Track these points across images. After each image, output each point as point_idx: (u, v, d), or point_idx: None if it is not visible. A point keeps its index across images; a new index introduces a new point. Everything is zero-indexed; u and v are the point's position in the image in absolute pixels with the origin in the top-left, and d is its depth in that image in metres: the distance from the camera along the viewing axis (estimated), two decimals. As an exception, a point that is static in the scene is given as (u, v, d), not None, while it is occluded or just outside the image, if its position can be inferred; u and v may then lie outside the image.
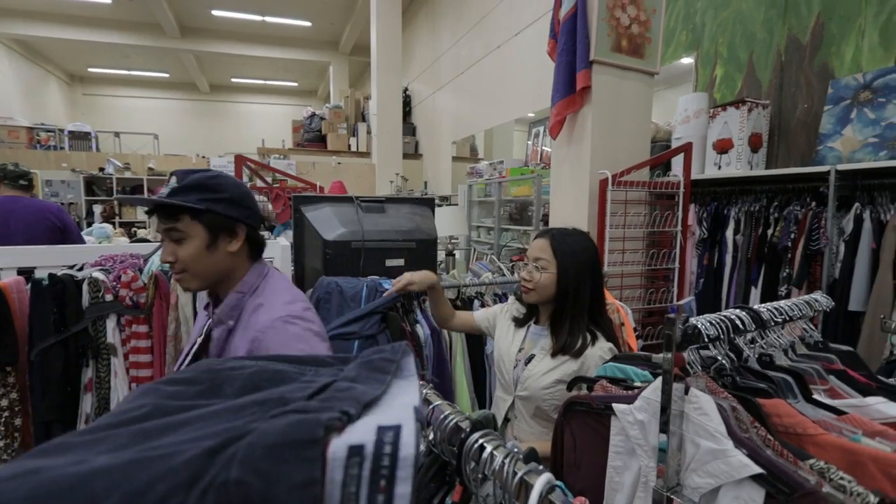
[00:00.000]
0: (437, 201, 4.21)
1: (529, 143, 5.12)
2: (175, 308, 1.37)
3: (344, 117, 8.42)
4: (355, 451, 0.21)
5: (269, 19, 8.52)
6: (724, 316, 0.66)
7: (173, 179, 0.91)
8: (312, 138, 8.19)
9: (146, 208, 1.01)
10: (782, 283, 2.46)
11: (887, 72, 2.22)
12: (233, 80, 11.98)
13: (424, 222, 2.25)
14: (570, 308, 1.15)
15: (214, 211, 0.94)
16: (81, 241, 2.89)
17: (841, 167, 2.17)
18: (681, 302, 2.43)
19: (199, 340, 0.95)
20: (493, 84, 5.63)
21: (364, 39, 9.75)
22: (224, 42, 9.05)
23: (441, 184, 6.95)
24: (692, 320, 0.62)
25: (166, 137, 9.16)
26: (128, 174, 5.51)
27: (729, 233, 2.74)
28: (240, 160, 2.91)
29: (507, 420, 1.21)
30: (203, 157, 6.33)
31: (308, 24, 8.85)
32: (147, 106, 12.06)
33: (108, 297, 1.33)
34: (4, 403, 1.24)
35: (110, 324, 1.33)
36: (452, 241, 3.25)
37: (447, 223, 3.21)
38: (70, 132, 5.94)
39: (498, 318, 1.37)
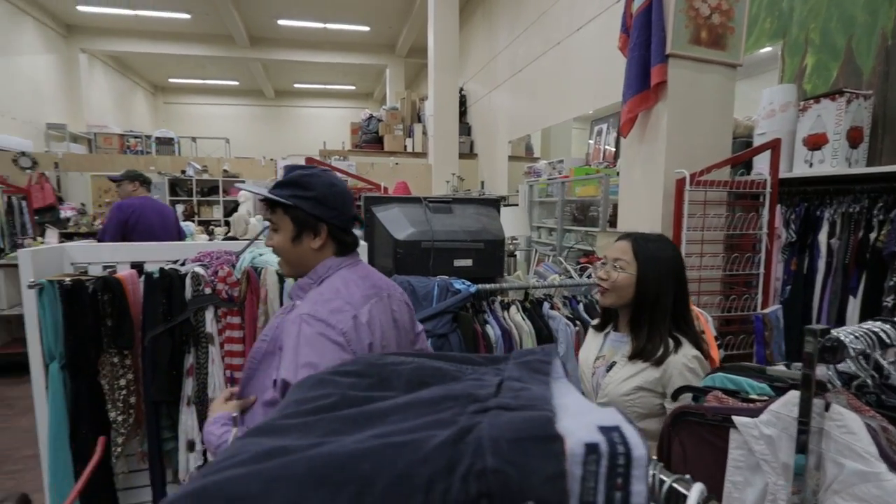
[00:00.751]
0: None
1: (591, 141, 4.97)
2: (264, 302, 1.46)
3: (400, 118, 8.59)
4: (591, 448, 0.21)
5: (330, 26, 8.87)
6: (869, 329, 0.60)
7: (280, 173, 1.00)
8: (370, 140, 8.43)
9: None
10: (888, 292, 2.22)
11: None
12: (295, 85, 12.59)
13: (491, 223, 2.25)
14: (650, 314, 1.12)
15: (300, 207, 0.99)
16: (184, 238, 3.25)
17: (965, 163, 1.92)
18: (766, 311, 2.27)
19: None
20: (553, 82, 5.51)
21: (420, 41, 9.91)
22: (288, 49, 9.53)
23: (497, 183, 6.92)
24: (834, 332, 0.58)
25: (236, 141, 9.79)
26: (205, 176, 5.96)
27: (822, 236, 2.51)
28: (310, 162, 3.05)
29: None
30: (271, 159, 6.71)
31: (367, 28, 9.12)
32: (219, 112, 12.97)
33: (207, 291, 1.44)
34: (123, 383, 1.37)
35: (209, 315, 1.44)
36: (513, 241, 3.22)
37: (508, 223, 3.19)
38: (157, 138, 6.52)
39: (583, 358, 1.34)
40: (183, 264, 1.50)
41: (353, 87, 12.95)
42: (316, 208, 1.00)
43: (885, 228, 2.25)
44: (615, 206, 3.18)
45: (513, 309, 1.81)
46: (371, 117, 8.66)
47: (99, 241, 2.80)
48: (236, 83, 12.26)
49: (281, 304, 1.49)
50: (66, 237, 5.29)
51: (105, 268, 1.55)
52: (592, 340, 1.26)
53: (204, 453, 1.46)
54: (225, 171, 6.08)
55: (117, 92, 10.32)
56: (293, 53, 9.53)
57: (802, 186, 2.68)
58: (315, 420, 0.29)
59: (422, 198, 2.25)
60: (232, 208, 5.96)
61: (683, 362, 1.08)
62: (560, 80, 5.34)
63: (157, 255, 1.57)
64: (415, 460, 0.21)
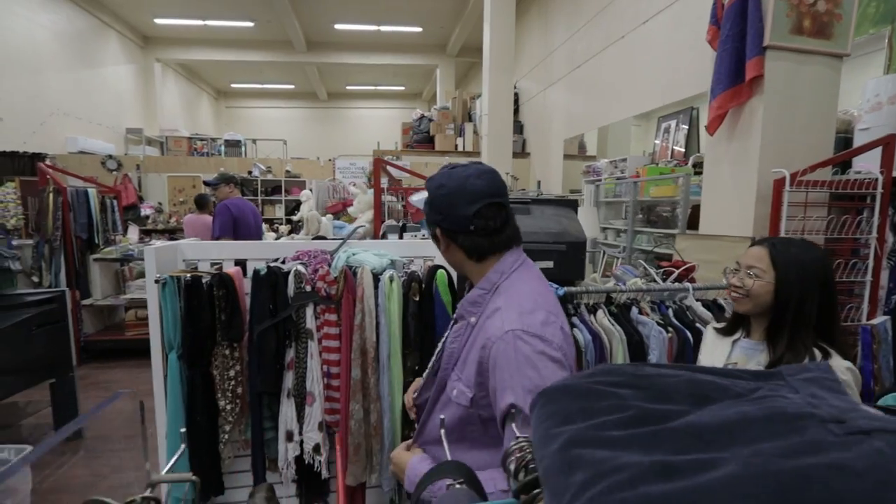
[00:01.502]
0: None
1: (657, 141, 4.76)
2: (361, 300, 1.49)
3: (451, 118, 8.61)
4: None
5: (384, 28, 9.02)
6: None
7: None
8: (421, 139, 8.51)
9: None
10: None
11: None
12: (347, 87, 12.93)
13: (571, 224, 2.20)
14: (792, 322, 1.06)
15: (427, 213, 0.99)
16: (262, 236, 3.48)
17: None
18: (875, 321, 2.08)
19: (449, 334, 0.99)
20: (615, 77, 5.32)
21: (472, 40, 9.89)
22: (343, 52, 9.80)
23: (552, 183, 6.79)
24: None
25: (292, 142, 10.19)
26: (269, 176, 6.23)
27: (934, 241, 2.27)
28: (378, 162, 3.11)
29: None
30: (329, 159, 6.92)
31: (419, 29, 9.21)
32: (275, 115, 13.56)
33: (308, 288, 1.49)
34: (232, 374, 1.45)
35: (309, 311, 1.49)
36: (581, 242, 3.13)
37: (576, 224, 3.10)
38: (225, 141, 6.91)
39: (706, 340, 1.30)
40: (283, 262, 1.56)
41: (403, 88, 13.13)
42: (430, 213, 0.97)
43: None
44: (694, 208, 3.02)
45: (599, 313, 1.75)
46: (422, 117, 8.74)
47: (216, 238, 3.02)
48: (292, 86, 12.75)
49: (377, 302, 1.52)
50: (146, 233, 5.70)
51: (213, 264, 1.64)
52: (717, 345, 1.21)
53: (301, 444, 1.52)
54: (287, 171, 6.32)
55: (185, 98, 11.01)
56: (348, 56, 9.78)
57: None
58: (644, 434, 0.27)
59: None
60: (293, 207, 6.20)
61: (841, 367, 1.02)
62: (623, 75, 5.15)
63: (257, 253, 1.64)
64: (847, 481, 0.19)
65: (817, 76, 2.17)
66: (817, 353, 1.03)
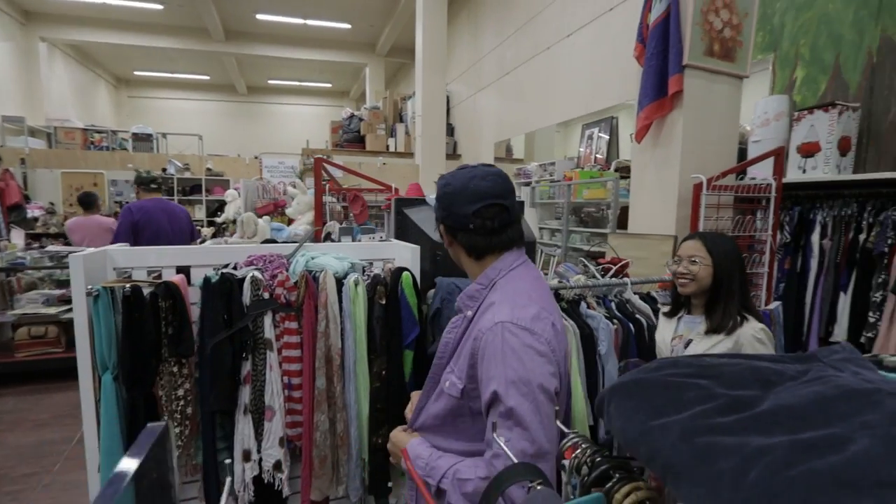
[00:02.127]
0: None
1: (582, 147, 5.11)
2: (325, 306, 1.43)
3: (382, 118, 8.51)
4: None
5: (310, 22, 8.68)
6: None
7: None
8: (352, 139, 8.31)
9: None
10: (876, 289, 2.41)
11: None
12: (269, 81, 12.24)
13: (522, 225, 2.29)
14: (724, 296, 1.30)
15: (434, 209, 1.03)
16: (197, 239, 3.14)
17: (950, 172, 2.12)
18: (770, 307, 2.41)
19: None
20: (541, 85, 5.62)
21: (402, 40, 9.85)
22: (266, 45, 9.26)
23: (484, 185, 6.96)
24: None
25: (208, 138, 9.42)
26: (187, 174, 5.70)
27: (815, 237, 2.70)
28: (319, 162, 2.99)
29: None
30: (255, 157, 6.49)
31: (348, 26, 8.99)
32: (188, 108, 12.43)
33: (266, 295, 1.40)
34: (181, 393, 1.32)
35: (267, 320, 1.40)
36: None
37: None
38: (133, 134, 6.17)
39: (657, 328, 1.46)
40: (235, 268, 1.45)
41: (330, 85, 12.72)
42: (436, 210, 1.02)
43: (875, 230, 2.44)
44: (623, 209, 3.30)
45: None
46: (352, 116, 8.54)
47: (112, 243, 2.67)
48: (206, 78, 11.78)
49: (341, 308, 1.47)
50: (34, 238, 4.93)
51: (150, 273, 1.48)
52: (666, 325, 1.44)
53: (259, 463, 1.42)
54: (208, 169, 5.83)
55: (78, 84, 9.70)
56: (271, 49, 9.26)
57: (795, 191, 2.87)
58: (747, 419, 0.30)
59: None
60: (216, 208, 5.72)
61: (752, 333, 1.25)
62: (549, 84, 5.45)
63: (203, 258, 1.51)
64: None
65: (724, 93, 2.47)
66: (740, 318, 1.27)
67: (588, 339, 1.82)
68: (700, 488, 0.27)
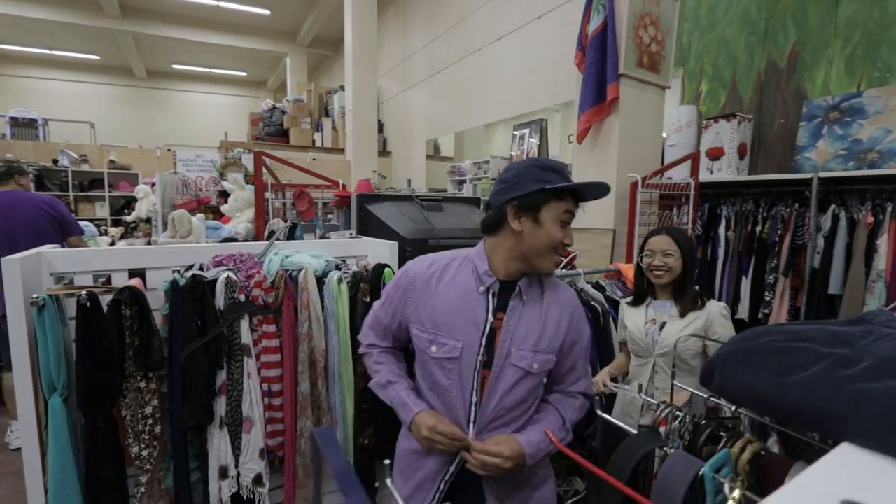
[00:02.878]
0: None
1: (514, 149, 5.35)
2: (307, 307, 1.37)
3: (307, 111, 8.15)
4: None
5: (224, 4, 8.01)
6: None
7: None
8: (274, 132, 7.85)
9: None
10: (770, 272, 2.86)
11: (852, 96, 2.67)
12: (173, 66, 11.07)
13: (479, 220, 2.36)
14: (690, 281, 1.49)
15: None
16: (81, 232, 2.65)
17: (822, 174, 2.58)
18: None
19: (489, 317, 0.96)
20: (473, 86, 5.77)
21: (326, 32, 9.47)
22: (171, 25, 8.36)
23: (417, 181, 6.99)
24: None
25: (102, 126, 8.27)
26: (85, 167, 4.94)
27: (721, 230, 3.12)
28: (259, 156, 2.81)
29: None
30: (168, 149, 5.84)
31: (267, 12, 8.44)
32: (73, 91, 10.78)
33: (241, 298, 1.30)
34: (148, 411, 1.18)
35: (244, 324, 1.31)
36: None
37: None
38: (12, 118, 5.17)
39: (624, 314, 1.60)
40: (202, 270, 1.33)
41: (244, 74, 11.83)
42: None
43: (768, 223, 2.89)
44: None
45: (520, 301, 1.94)
46: (274, 108, 8.07)
47: None
48: (95, 58, 10.31)
49: (323, 307, 1.41)
50: None
51: (96, 278, 1.30)
52: (635, 311, 1.57)
53: (238, 479, 1.32)
54: (112, 161, 5.12)
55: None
56: (177, 30, 8.38)
57: (704, 190, 3.28)
58: (868, 368, 0.37)
59: (413, 195, 2.26)
60: (122, 205, 5.04)
61: (718, 310, 1.44)
62: (480, 85, 5.62)
63: (158, 260, 1.36)
64: None
65: (652, 102, 2.76)
66: (702, 298, 1.46)
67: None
68: (869, 426, 0.33)
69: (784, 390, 0.39)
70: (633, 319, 1.55)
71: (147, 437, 1.18)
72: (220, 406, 1.28)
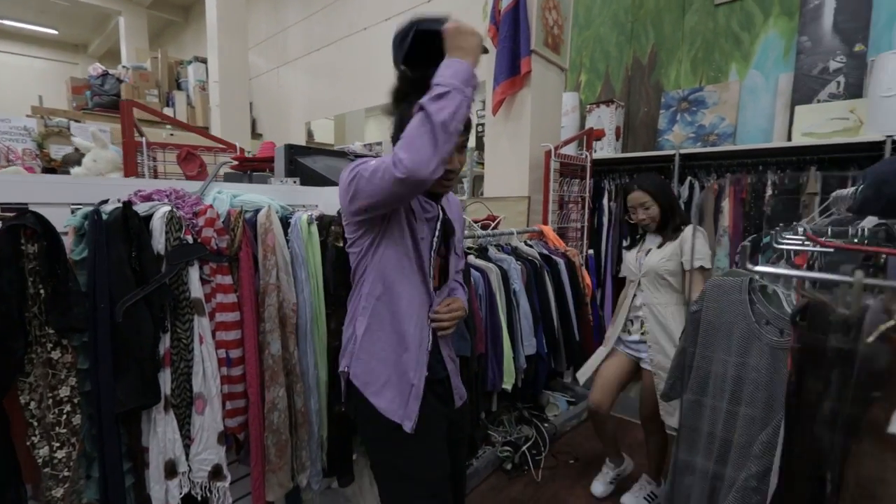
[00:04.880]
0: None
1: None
2: (273, 251, 1.14)
3: (154, 82, 6.90)
4: None
5: (22, -65, 6.24)
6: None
7: None
8: (108, 103, 6.45)
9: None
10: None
11: (696, 91, 3.30)
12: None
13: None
14: (669, 219, 1.75)
15: None
16: None
17: (681, 152, 3.12)
18: (590, 251, 3.07)
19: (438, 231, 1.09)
20: (359, 66, 5.58)
21: (169, -8, 8.06)
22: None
23: (299, 166, 6.45)
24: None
25: None
26: None
27: (605, 201, 3.56)
28: (127, 106, 2.26)
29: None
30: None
31: (88, -45, 6.85)
32: None
33: (189, 239, 1.02)
34: (63, 393, 0.84)
35: (194, 274, 1.03)
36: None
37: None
38: None
39: (628, 259, 1.90)
40: (106, 202, 1.00)
41: (55, 33, 9.39)
42: None
43: (641, 194, 3.40)
44: (477, 179, 3.63)
45: (471, 256, 1.94)
46: (106, 75, 6.64)
47: None
48: None
49: (290, 254, 1.20)
50: None
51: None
52: (629, 253, 1.89)
53: (188, 475, 1.04)
54: None
55: None
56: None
57: (598, 167, 3.71)
58: None
59: (346, 151, 2.08)
60: None
61: (689, 230, 1.71)
62: (367, 66, 5.46)
63: (48, 194, 0.98)
64: None
65: (554, 80, 3.00)
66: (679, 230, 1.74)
67: (504, 276, 1.97)
68: None
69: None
70: (630, 254, 1.87)
71: (64, 432, 0.84)
72: (165, 381, 0.98)
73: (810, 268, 0.77)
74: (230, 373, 1.10)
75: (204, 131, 2.48)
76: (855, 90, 2.71)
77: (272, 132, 7.31)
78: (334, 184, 1.78)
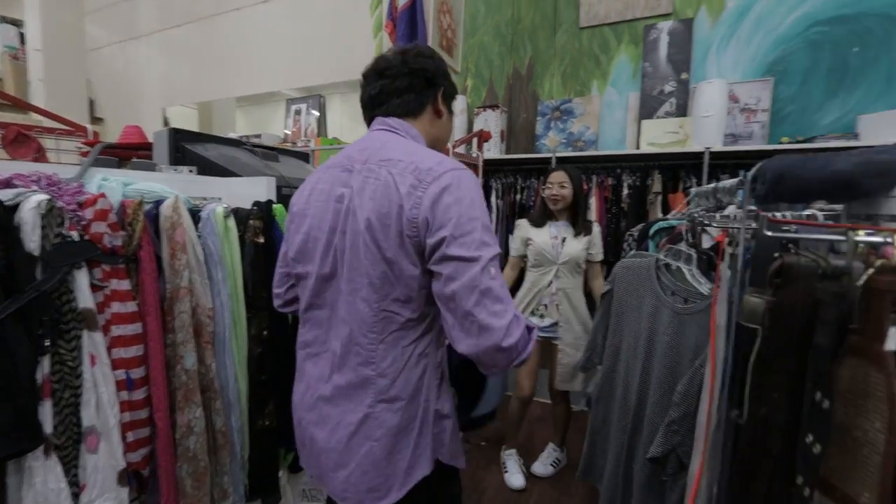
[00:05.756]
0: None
1: (289, 130, 4.99)
2: (184, 249, 0.98)
3: (-66, 44, 5.29)
4: None
5: None
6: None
7: None
8: None
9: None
10: (530, 231, 3.69)
11: (566, 102, 3.73)
12: None
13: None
14: (582, 207, 1.98)
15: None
16: None
17: (558, 154, 3.50)
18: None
19: None
20: (231, 50, 5.06)
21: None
22: None
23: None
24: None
25: None
26: None
27: (493, 199, 3.82)
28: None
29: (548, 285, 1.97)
30: None
31: None
32: None
33: (74, 236, 0.83)
34: None
35: (82, 279, 0.84)
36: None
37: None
38: None
39: (527, 233, 2.02)
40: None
41: None
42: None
43: (525, 192, 3.72)
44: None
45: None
46: None
47: None
48: None
49: (203, 251, 1.05)
50: None
51: None
52: (539, 231, 2.01)
53: (80, 527, 0.85)
54: None
55: None
56: None
57: (486, 167, 3.93)
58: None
59: (243, 141, 1.89)
60: None
61: (597, 230, 1.97)
62: (239, 50, 4.98)
63: None
64: None
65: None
66: (589, 226, 1.97)
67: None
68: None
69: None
70: (540, 237, 1.98)
71: None
72: (47, 416, 0.79)
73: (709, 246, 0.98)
74: (132, 397, 0.92)
75: (44, 110, 2.00)
76: (683, 110, 3.34)
77: (118, 117, 6.17)
78: (233, 174, 1.60)
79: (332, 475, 0.81)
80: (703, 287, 0.89)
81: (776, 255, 0.55)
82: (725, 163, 3.13)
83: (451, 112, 1.05)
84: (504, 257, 3.64)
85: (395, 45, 2.75)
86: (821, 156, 0.66)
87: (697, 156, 3.08)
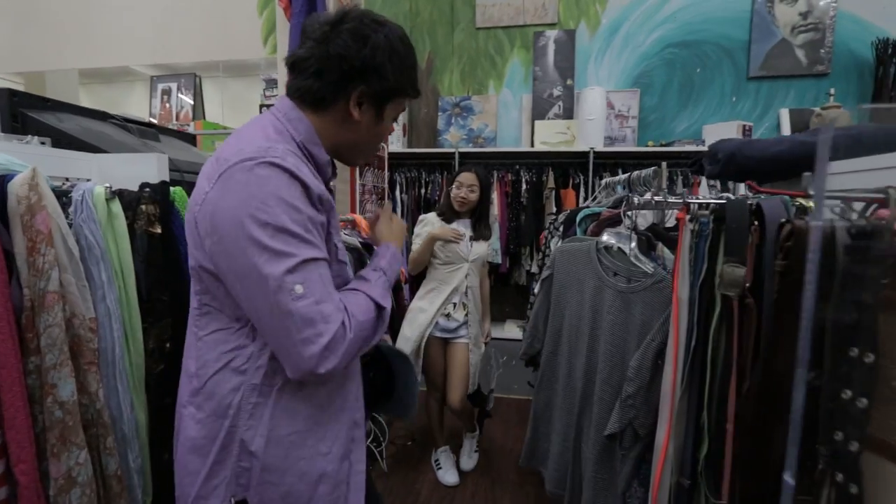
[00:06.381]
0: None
1: (158, 111, 4.28)
2: (50, 241, 0.74)
3: None
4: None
5: None
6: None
7: None
8: None
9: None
10: (435, 225, 3.70)
11: (465, 99, 3.82)
12: None
13: (205, 158, 1.95)
14: (485, 211, 1.97)
15: None
16: None
17: (461, 150, 3.57)
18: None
19: None
20: (73, 11, 4.17)
21: None
22: None
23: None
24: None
25: None
26: None
27: (398, 192, 3.75)
28: None
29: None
30: None
31: None
32: None
33: None
34: None
35: None
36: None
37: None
38: None
39: (429, 218, 1.97)
40: None
41: None
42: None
43: (429, 187, 3.72)
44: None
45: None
46: None
47: None
48: None
49: (79, 244, 0.82)
50: None
51: None
52: (447, 224, 1.95)
53: None
54: None
55: None
56: None
57: (390, 161, 3.82)
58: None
59: (107, 113, 1.54)
60: None
61: (494, 235, 1.85)
62: (83, 12, 4.13)
63: None
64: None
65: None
66: (489, 229, 1.97)
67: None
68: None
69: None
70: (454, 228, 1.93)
71: None
72: None
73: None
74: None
75: None
76: (569, 113, 3.64)
77: None
78: (99, 150, 1.29)
79: None
80: (647, 266, 0.95)
81: (783, 220, 0.60)
82: (605, 162, 3.51)
83: (379, 119, 0.80)
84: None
85: (345, 7, 2.51)
86: (757, 140, 0.74)
87: (583, 155, 3.39)
